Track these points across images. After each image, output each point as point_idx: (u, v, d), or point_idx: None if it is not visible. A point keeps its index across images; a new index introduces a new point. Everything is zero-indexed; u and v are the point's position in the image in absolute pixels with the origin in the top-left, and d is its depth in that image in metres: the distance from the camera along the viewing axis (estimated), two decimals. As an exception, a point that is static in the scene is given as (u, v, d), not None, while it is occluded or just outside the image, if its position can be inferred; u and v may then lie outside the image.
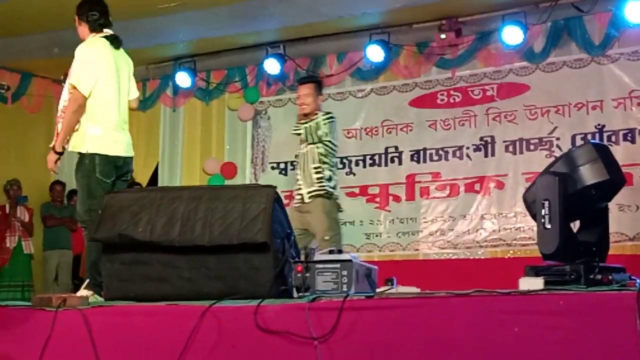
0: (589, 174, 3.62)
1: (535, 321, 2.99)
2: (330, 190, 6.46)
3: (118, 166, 5.04)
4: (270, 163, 9.99)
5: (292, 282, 3.76)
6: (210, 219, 3.98)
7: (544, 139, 8.49)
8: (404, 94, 9.29)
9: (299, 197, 6.56)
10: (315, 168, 6.48)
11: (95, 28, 5.09)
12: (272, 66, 9.54)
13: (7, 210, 9.65)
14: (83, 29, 5.13)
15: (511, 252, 8.48)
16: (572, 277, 3.40)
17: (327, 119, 6.58)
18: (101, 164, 4.91)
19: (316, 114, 6.60)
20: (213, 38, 9.33)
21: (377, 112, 9.42)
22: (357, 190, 9.39)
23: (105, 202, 4.32)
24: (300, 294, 3.64)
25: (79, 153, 5.00)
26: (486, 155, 8.80)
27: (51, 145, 5.04)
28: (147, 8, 7.60)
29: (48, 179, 10.45)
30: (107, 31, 5.13)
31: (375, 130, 9.40)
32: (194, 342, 3.50)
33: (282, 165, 9.91)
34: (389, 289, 3.54)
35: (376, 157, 9.35)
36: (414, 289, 3.61)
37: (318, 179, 6.44)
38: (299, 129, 6.61)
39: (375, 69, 9.33)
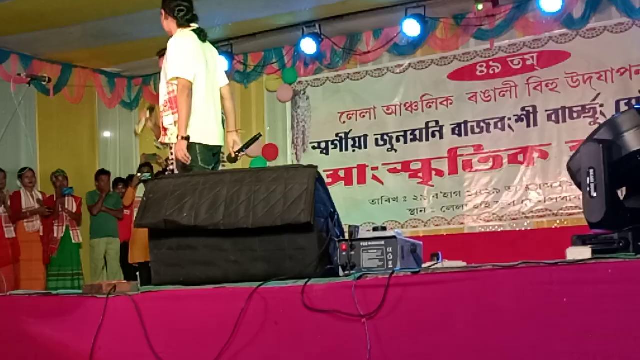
0: (634, 140, 3.55)
1: (584, 291, 2.96)
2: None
3: (214, 154, 5.26)
4: (311, 143, 10.00)
5: (337, 261, 3.76)
6: (254, 201, 4.00)
7: (587, 107, 8.38)
8: (442, 68, 9.23)
9: None
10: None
11: (183, 23, 5.26)
12: (308, 46, 9.53)
13: (55, 200, 9.80)
14: (170, 23, 5.30)
15: (558, 222, 8.41)
16: (621, 245, 3.35)
17: None
18: (202, 152, 5.11)
19: None
20: (249, 21, 9.33)
21: (416, 87, 9.37)
22: (399, 167, 9.37)
23: (148, 188, 4.37)
24: (346, 272, 3.65)
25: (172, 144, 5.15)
26: (528, 126, 8.71)
27: (178, 136, 5.11)
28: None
29: (93, 168, 10.60)
30: (194, 25, 5.31)
31: (415, 106, 9.35)
32: (243, 324, 3.53)
33: (322, 145, 9.92)
34: (435, 264, 3.52)
35: (417, 132, 9.31)
36: (460, 263, 3.59)
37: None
38: None
39: (412, 43, 9.27)
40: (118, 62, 10.49)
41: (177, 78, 5.10)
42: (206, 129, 5.19)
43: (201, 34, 5.30)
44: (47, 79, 6.41)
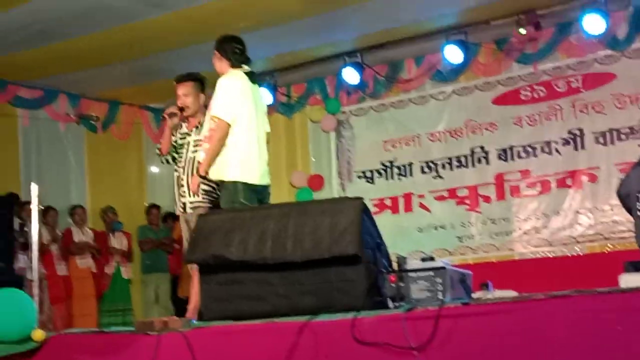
0: (685, 163, 3.50)
1: (638, 319, 2.90)
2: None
3: (257, 192, 5.32)
4: (356, 172, 10.00)
5: (386, 293, 3.75)
6: (301, 234, 4.01)
7: (635, 128, 8.26)
8: (486, 93, 9.19)
9: (181, 205, 5.75)
10: (205, 177, 5.58)
11: (237, 64, 5.40)
12: (350, 75, 9.57)
13: (105, 236, 9.94)
14: (223, 63, 5.43)
15: (609, 246, 8.27)
16: (674, 271, 3.30)
17: None
18: (244, 191, 5.20)
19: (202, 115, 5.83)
20: (291, 52, 9.43)
21: (459, 113, 9.34)
22: (445, 194, 9.32)
23: (197, 224, 4.41)
24: (396, 304, 3.63)
25: (222, 181, 5.26)
26: (576, 149, 8.62)
27: (196, 172, 5.36)
28: (226, 29, 7.73)
29: (142, 204, 10.73)
30: (246, 67, 5.46)
31: (460, 132, 9.31)
32: (293, 358, 3.52)
33: (368, 174, 9.91)
34: (485, 294, 3.49)
35: (462, 159, 9.26)
36: (511, 293, 3.56)
37: (206, 190, 5.60)
38: (184, 137, 5.88)
39: (454, 69, 9.26)
40: (164, 98, 10.63)
41: (217, 117, 5.21)
42: (249, 168, 5.27)
43: (252, 77, 5.46)
44: (95, 118, 6.57)
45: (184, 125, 5.87)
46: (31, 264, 8.71)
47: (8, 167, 9.70)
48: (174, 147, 5.84)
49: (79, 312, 9.33)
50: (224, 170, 5.25)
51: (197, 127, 5.76)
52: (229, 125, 5.22)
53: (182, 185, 5.67)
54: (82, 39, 8.40)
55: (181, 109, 5.77)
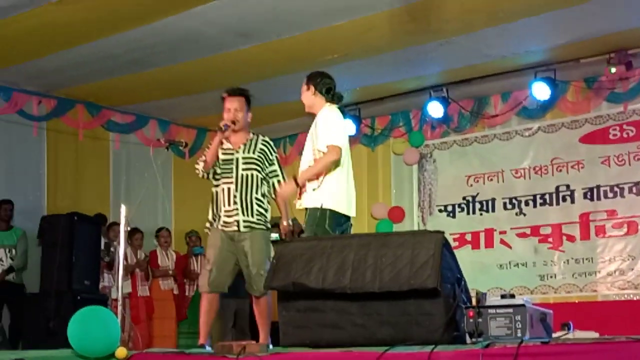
0: None
1: None
2: (269, 226, 5.87)
3: (341, 223, 5.36)
4: (437, 206, 9.96)
5: (464, 328, 3.73)
6: (380, 265, 4.04)
7: None
8: (573, 131, 9.07)
9: (231, 222, 5.66)
10: (258, 199, 5.71)
11: (332, 100, 5.51)
12: (435, 109, 9.58)
13: (187, 259, 10.13)
14: (317, 98, 5.50)
15: (697, 291, 8.01)
16: None
17: (273, 147, 5.93)
18: (331, 218, 5.23)
19: (253, 134, 5.89)
20: (376, 85, 9.49)
21: (545, 150, 9.23)
22: (528, 231, 9.20)
23: (278, 251, 4.48)
24: (473, 340, 3.61)
25: (314, 207, 5.27)
26: (666, 190, 8.42)
27: (293, 177, 5.40)
28: (313, 61, 7.87)
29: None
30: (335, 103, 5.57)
31: (545, 169, 9.19)
32: (369, 388, 3.53)
33: (449, 208, 9.87)
34: (566, 334, 3.44)
35: (547, 196, 9.13)
36: (592, 334, 3.50)
37: (260, 212, 5.70)
38: (233, 152, 5.79)
39: (541, 106, 9.17)
40: (251, 126, 10.85)
41: (333, 146, 5.27)
42: (341, 198, 5.31)
43: (343, 112, 5.60)
44: (184, 144, 6.74)
45: (225, 142, 5.80)
46: (115, 283, 9.03)
47: (99, 189, 10.03)
48: (216, 162, 5.78)
49: (159, 332, 9.51)
50: (320, 198, 5.26)
51: (244, 145, 5.75)
52: (341, 155, 5.30)
53: (236, 203, 5.59)
54: (172, 67, 8.67)
55: (233, 123, 5.72)
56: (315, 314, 4.16)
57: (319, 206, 5.25)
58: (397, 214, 10.22)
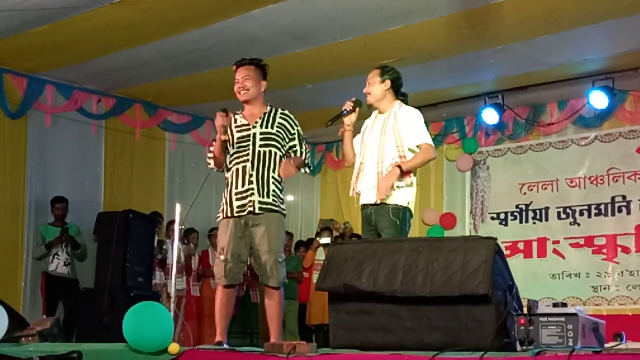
0: None
1: None
2: (284, 208, 5.32)
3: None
4: (490, 213, 9.90)
5: (514, 335, 3.71)
6: (431, 270, 4.03)
7: None
8: (631, 141, 8.94)
9: (246, 203, 5.11)
10: (275, 179, 5.18)
11: (399, 97, 5.48)
12: (490, 116, 9.53)
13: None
14: (389, 94, 5.43)
15: None
16: None
17: (295, 121, 5.43)
18: (409, 218, 5.25)
19: (270, 106, 5.36)
20: (430, 90, 9.47)
21: (602, 160, 9.11)
22: (582, 241, 9.09)
23: (330, 253, 4.51)
24: (524, 347, 3.59)
25: (400, 205, 5.19)
26: None
27: (397, 166, 5.17)
28: (368, 65, 7.87)
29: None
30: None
31: (601, 179, 9.08)
32: (417, 392, 3.53)
33: (502, 216, 9.79)
34: (618, 344, 3.40)
35: (602, 207, 9.01)
36: (646, 346, 3.45)
37: (276, 192, 5.16)
38: (249, 127, 5.24)
39: (599, 115, 9.07)
40: (304, 129, 10.89)
41: (430, 145, 5.30)
42: (414, 198, 5.31)
43: None
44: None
45: (238, 118, 5.29)
46: (166, 280, 9.15)
47: (154, 187, 10.19)
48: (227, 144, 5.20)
49: (210, 331, 9.59)
50: (405, 196, 5.21)
51: (261, 118, 5.23)
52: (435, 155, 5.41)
53: (251, 182, 5.05)
54: (228, 69, 8.67)
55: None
56: (365, 316, 4.17)
57: (405, 204, 5.18)
58: (448, 220, 10.18)
